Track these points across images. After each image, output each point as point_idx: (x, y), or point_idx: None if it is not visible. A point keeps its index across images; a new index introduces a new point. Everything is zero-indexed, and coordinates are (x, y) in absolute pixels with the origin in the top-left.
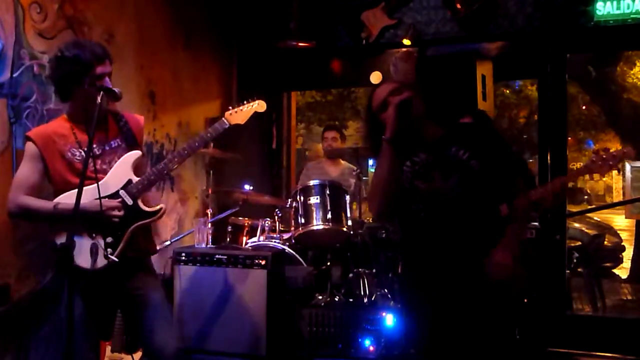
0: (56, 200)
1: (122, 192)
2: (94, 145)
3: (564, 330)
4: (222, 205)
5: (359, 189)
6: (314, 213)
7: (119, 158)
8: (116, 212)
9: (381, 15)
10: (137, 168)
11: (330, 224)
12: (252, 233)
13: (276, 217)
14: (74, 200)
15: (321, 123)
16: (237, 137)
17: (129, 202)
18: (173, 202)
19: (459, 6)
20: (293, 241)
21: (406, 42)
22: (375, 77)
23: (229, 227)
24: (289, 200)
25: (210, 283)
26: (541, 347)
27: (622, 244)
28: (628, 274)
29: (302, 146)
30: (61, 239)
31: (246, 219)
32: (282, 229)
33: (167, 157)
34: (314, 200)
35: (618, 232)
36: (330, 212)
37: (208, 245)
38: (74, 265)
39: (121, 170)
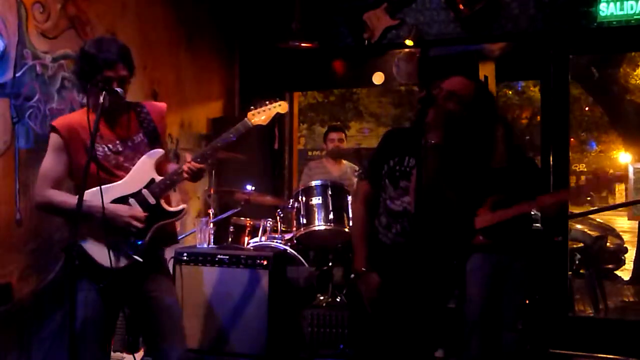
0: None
1: (145, 192)
2: (117, 142)
3: (565, 332)
4: (224, 206)
5: None
6: (316, 213)
7: (141, 154)
8: (136, 223)
9: (383, 15)
10: (159, 166)
11: (332, 224)
12: (254, 233)
13: (278, 218)
14: (99, 198)
15: (323, 124)
16: (240, 138)
17: (152, 201)
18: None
19: (461, 7)
20: (295, 241)
21: (408, 42)
22: (378, 78)
23: (231, 227)
24: (291, 200)
25: (211, 283)
26: (543, 349)
27: (625, 245)
28: (630, 275)
29: (305, 147)
30: (81, 237)
31: (248, 219)
32: (284, 229)
33: (185, 157)
34: (316, 200)
35: (620, 233)
36: (332, 213)
37: (210, 246)
38: (96, 263)
39: (144, 169)
